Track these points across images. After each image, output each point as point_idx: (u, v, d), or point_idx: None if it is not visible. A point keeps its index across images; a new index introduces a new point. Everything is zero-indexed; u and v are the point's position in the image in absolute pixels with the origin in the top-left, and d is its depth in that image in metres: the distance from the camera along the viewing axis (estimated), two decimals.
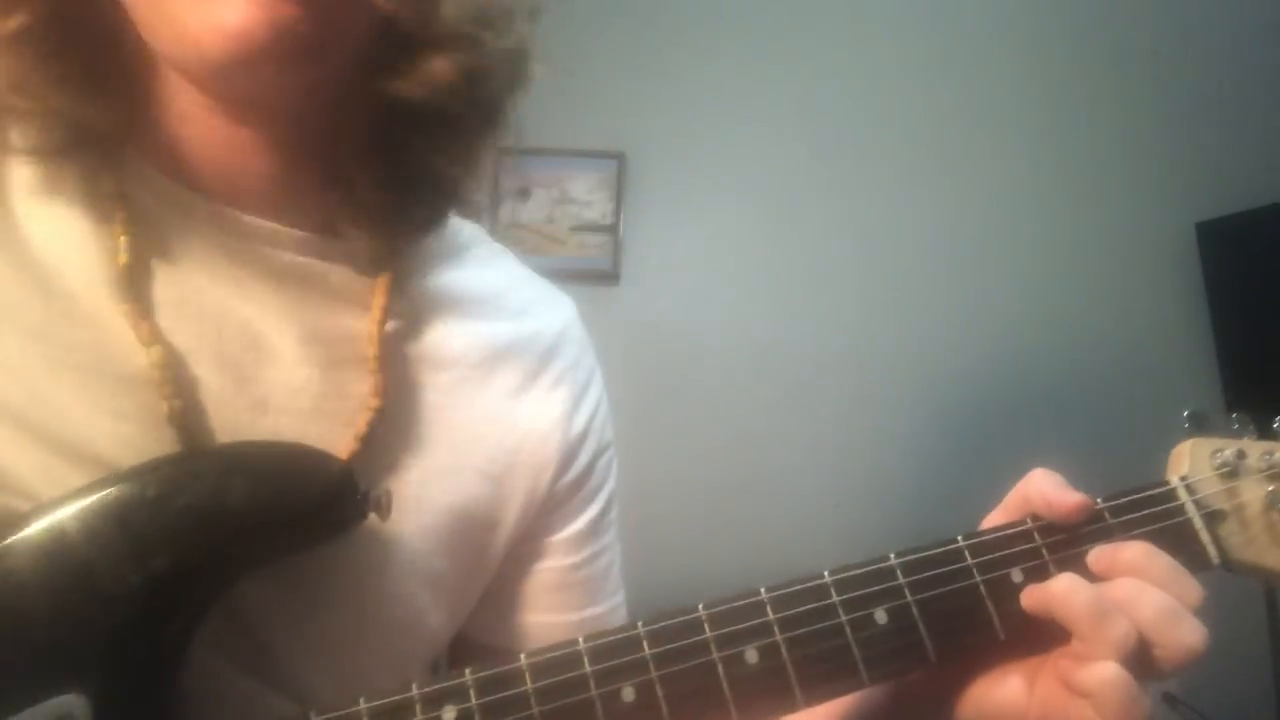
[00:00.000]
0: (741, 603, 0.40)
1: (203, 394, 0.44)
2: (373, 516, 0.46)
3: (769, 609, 0.39)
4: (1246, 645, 1.86)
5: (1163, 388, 2.18)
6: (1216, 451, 0.47)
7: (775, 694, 0.38)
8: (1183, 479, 0.46)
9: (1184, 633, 0.39)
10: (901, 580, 0.41)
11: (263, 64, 0.39)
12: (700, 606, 0.39)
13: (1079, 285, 2.33)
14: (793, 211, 2.38)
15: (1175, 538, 0.44)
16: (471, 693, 0.37)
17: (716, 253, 2.37)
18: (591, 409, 0.61)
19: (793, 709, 0.38)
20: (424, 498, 0.50)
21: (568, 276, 2.30)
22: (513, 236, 2.36)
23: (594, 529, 0.60)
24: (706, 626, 0.39)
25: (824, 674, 0.39)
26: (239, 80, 0.41)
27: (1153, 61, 2.40)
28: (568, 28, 2.37)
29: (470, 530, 0.53)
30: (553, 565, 0.58)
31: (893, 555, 0.42)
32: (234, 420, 0.45)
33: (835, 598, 0.40)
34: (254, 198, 0.47)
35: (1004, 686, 0.42)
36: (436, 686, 0.37)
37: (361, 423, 0.48)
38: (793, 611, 0.39)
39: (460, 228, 0.59)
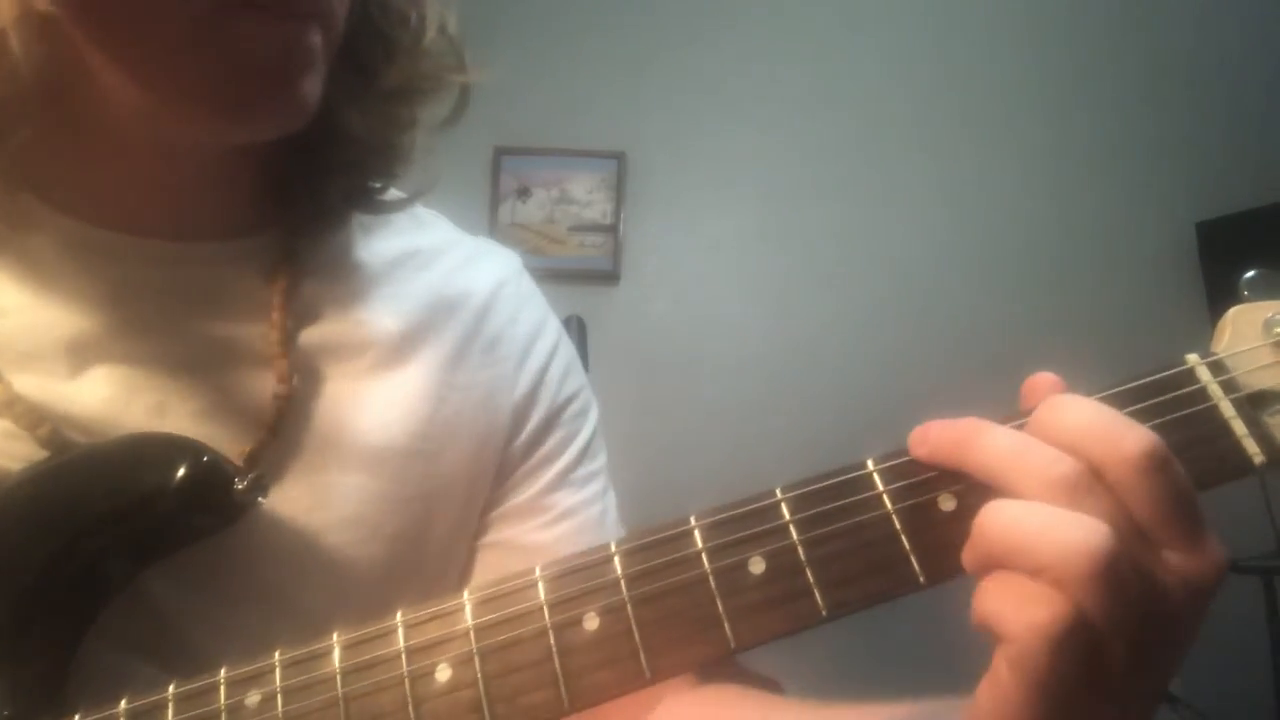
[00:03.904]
0: (585, 559, 0.35)
1: (95, 408, 0.45)
2: (292, 510, 0.46)
3: (618, 564, 0.34)
4: (1246, 645, 1.85)
5: None
6: (1273, 317, 0.35)
7: (616, 665, 0.32)
8: (1207, 356, 0.35)
9: (1127, 442, 0.30)
10: (788, 518, 0.34)
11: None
12: (538, 569, 0.34)
13: (1079, 285, 2.33)
14: (792, 211, 2.39)
15: (1195, 434, 0.33)
16: (277, 674, 0.35)
17: (716, 252, 2.38)
18: (539, 365, 0.58)
19: (640, 680, 0.33)
20: (345, 486, 0.49)
21: (568, 276, 2.34)
22: (513, 236, 2.36)
23: (561, 483, 0.57)
24: (542, 590, 0.34)
25: (678, 638, 0.33)
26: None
27: (1153, 61, 2.40)
28: (568, 28, 2.39)
29: (405, 513, 0.51)
30: (515, 531, 0.55)
31: (779, 490, 0.34)
32: (133, 427, 0.45)
33: (700, 545, 0.34)
34: (148, 217, 0.48)
35: None
36: (242, 670, 0.35)
37: (269, 413, 0.47)
38: (646, 566, 0.34)
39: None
